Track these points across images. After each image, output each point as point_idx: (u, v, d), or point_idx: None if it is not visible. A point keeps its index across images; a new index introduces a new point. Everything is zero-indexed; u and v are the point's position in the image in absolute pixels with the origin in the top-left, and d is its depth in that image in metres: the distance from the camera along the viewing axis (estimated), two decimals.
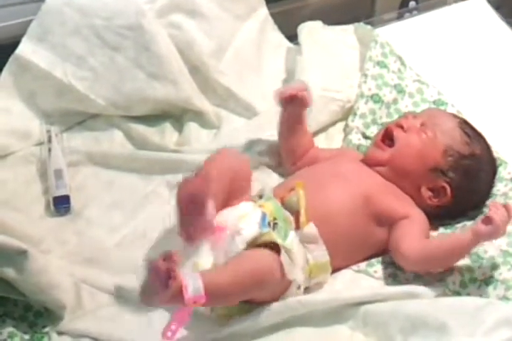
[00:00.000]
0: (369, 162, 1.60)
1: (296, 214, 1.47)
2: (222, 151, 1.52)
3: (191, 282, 1.26)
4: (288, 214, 1.47)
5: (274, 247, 1.37)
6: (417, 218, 1.51)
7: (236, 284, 1.31)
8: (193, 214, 1.35)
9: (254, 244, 1.38)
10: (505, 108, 1.82)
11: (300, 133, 1.66)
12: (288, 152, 1.67)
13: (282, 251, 1.36)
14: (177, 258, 1.24)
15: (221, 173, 1.43)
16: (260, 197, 1.50)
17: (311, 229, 1.44)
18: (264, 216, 1.41)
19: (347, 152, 1.71)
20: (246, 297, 1.36)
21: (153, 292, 1.25)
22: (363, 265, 1.51)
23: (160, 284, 1.23)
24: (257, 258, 1.35)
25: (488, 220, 1.36)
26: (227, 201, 1.45)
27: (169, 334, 1.26)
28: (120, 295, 1.45)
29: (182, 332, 1.36)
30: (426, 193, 1.56)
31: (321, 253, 1.44)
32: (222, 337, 1.36)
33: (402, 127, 1.59)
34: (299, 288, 1.41)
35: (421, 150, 1.56)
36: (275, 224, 1.42)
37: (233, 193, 1.46)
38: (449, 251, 1.43)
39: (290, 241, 1.40)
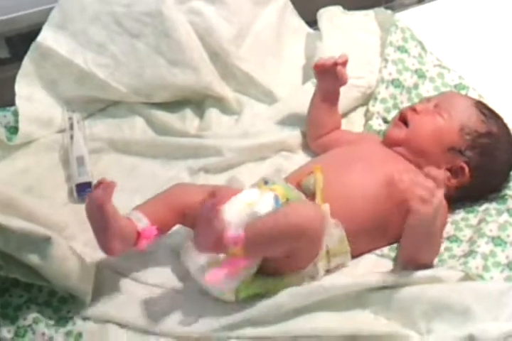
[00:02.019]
0: (388, 141, 1.61)
1: (311, 196, 1.47)
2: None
3: (233, 223, 1.30)
4: (301, 195, 1.47)
5: None
6: None
7: (277, 231, 1.32)
8: (101, 221, 1.34)
9: None
10: None
11: (330, 110, 1.68)
12: (314, 125, 1.69)
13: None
14: (220, 196, 1.28)
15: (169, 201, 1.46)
16: (266, 182, 1.50)
17: (324, 207, 1.44)
18: (276, 197, 1.42)
19: (368, 136, 1.72)
20: (283, 247, 1.35)
21: (202, 231, 1.29)
22: (386, 249, 1.51)
23: (205, 221, 1.28)
24: (302, 211, 1.36)
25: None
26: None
27: (212, 277, 1.31)
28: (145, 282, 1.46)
29: (201, 317, 1.38)
30: (445, 174, 1.55)
31: (336, 231, 1.43)
32: (243, 321, 1.36)
33: (415, 110, 1.60)
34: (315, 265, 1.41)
35: (435, 131, 1.56)
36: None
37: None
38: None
39: None
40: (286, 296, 1.37)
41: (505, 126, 1.61)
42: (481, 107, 1.60)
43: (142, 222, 1.39)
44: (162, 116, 1.77)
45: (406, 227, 1.40)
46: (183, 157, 1.68)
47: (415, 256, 1.42)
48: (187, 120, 1.77)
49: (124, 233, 1.36)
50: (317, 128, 1.69)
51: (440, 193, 1.34)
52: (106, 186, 1.34)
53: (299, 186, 1.50)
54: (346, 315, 1.38)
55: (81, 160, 1.64)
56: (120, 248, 1.36)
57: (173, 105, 1.79)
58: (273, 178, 1.52)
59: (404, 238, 1.43)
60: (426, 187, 1.33)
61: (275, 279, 1.40)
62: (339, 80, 1.65)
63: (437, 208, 1.34)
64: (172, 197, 1.46)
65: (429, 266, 1.42)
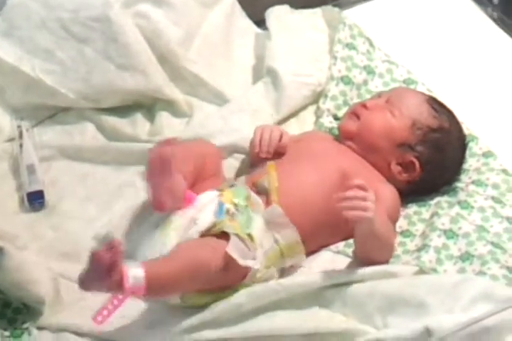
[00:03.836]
0: (341, 134, 1.62)
1: (267, 195, 1.47)
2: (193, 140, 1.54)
3: (133, 273, 1.26)
4: (256, 197, 1.47)
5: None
6: (384, 196, 1.48)
7: (177, 277, 1.31)
8: (161, 176, 1.36)
9: (210, 233, 1.38)
10: (474, 84, 1.82)
11: None
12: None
13: (232, 240, 1.35)
14: (121, 248, 1.24)
15: (188, 154, 1.46)
16: (232, 186, 1.50)
17: (274, 209, 1.44)
18: (221, 204, 1.41)
19: (317, 132, 1.71)
20: (189, 289, 1.36)
21: (94, 279, 1.25)
22: (341, 246, 1.51)
23: (101, 274, 1.23)
24: (196, 251, 1.34)
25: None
26: (195, 182, 1.47)
27: (99, 318, 1.29)
28: None
29: (159, 322, 1.37)
30: (395, 168, 1.57)
31: (289, 232, 1.44)
32: (203, 323, 1.35)
33: (365, 106, 1.60)
34: (268, 267, 1.41)
35: (385, 127, 1.57)
36: (237, 210, 1.42)
37: (201, 175, 1.48)
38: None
39: (252, 225, 1.41)
40: (245, 296, 1.37)
41: (456, 121, 1.62)
42: (432, 103, 1.61)
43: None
44: (112, 121, 1.75)
45: (354, 234, 1.43)
46: (135, 162, 1.66)
47: (369, 257, 1.43)
48: (138, 124, 1.76)
49: (178, 190, 1.39)
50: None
51: (371, 196, 1.35)
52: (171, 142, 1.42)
53: (255, 186, 1.50)
54: (304, 314, 1.39)
55: (31, 169, 1.63)
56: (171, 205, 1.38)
57: (123, 110, 1.78)
58: (236, 181, 1.53)
59: (355, 242, 1.45)
60: (354, 196, 1.35)
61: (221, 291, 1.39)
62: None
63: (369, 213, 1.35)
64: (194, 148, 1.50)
65: (383, 264, 1.43)
